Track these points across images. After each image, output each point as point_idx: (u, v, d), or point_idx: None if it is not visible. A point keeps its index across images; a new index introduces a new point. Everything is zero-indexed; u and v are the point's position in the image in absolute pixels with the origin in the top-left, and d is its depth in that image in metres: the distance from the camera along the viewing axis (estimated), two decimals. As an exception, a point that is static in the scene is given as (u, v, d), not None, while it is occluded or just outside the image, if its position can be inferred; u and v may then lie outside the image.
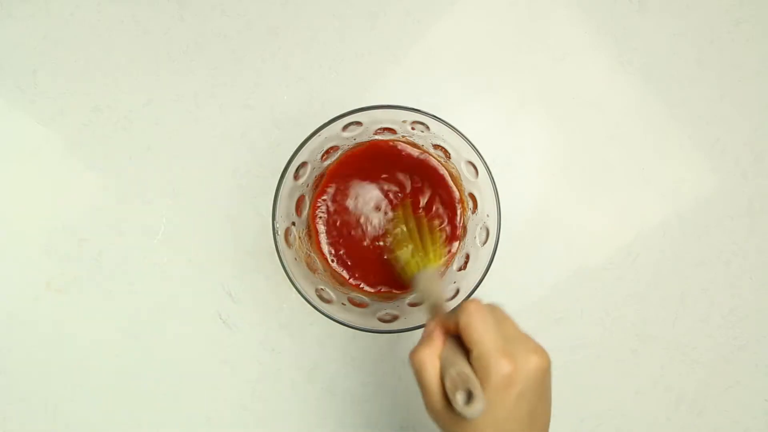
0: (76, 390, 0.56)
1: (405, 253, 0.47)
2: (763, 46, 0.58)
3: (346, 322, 0.44)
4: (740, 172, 0.57)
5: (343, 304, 0.48)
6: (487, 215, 0.47)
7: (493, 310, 0.36)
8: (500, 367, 0.33)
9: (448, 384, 0.33)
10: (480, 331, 0.34)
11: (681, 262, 0.57)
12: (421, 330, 0.44)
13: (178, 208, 0.56)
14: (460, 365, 0.34)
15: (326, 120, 0.44)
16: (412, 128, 0.47)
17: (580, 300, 0.57)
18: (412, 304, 0.48)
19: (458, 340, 0.36)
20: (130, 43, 0.56)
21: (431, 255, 0.46)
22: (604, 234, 0.57)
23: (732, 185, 0.57)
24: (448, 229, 0.50)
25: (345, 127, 0.46)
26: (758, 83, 0.58)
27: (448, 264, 0.50)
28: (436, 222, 0.50)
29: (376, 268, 0.50)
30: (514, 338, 0.35)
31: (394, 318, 0.47)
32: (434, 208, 0.50)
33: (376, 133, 0.49)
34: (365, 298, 0.49)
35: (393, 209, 0.50)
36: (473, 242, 0.49)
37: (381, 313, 0.47)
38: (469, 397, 0.32)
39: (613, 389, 0.57)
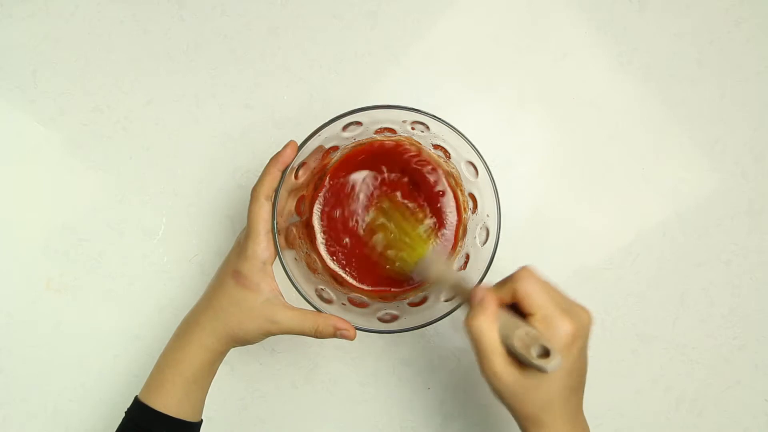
0: (76, 390, 0.56)
1: (393, 251, 0.47)
2: (763, 46, 0.58)
3: (346, 322, 0.44)
4: (740, 172, 0.57)
5: (343, 304, 0.47)
6: (487, 215, 0.47)
7: (540, 274, 0.38)
8: (565, 326, 0.36)
9: (517, 344, 0.35)
10: (541, 295, 0.36)
11: (681, 262, 0.57)
12: (420, 330, 0.44)
13: (178, 208, 0.56)
14: (524, 326, 0.36)
15: (326, 120, 0.44)
16: (412, 128, 0.47)
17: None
18: (412, 304, 0.48)
19: (508, 306, 0.38)
20: (130, 43, 0.56)
21: (416, 242, 0.46)
22: (604, 234, 0.57)
23: (732, 185, 0.57)
24: (433, 221, 0.50)
25: (345, 127, 0.46)
26: (758, 83, 0.58)
27: (453, 252, 0.50)
28: (412, 206, 0.49)
29: (377, 267, 0.50)
30: (564, 298, 0.38)
31: (394, 318, 0.47)
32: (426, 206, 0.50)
33: (376, 133, 0.49)
34: (365, 298, 0.49)
35: (373, 207, 0.49)
36: (473, 242, 0.49)
37: (381, 313, 0.47)
38: (542, 354, 0.34)
39: (613, 389, 0.57)
